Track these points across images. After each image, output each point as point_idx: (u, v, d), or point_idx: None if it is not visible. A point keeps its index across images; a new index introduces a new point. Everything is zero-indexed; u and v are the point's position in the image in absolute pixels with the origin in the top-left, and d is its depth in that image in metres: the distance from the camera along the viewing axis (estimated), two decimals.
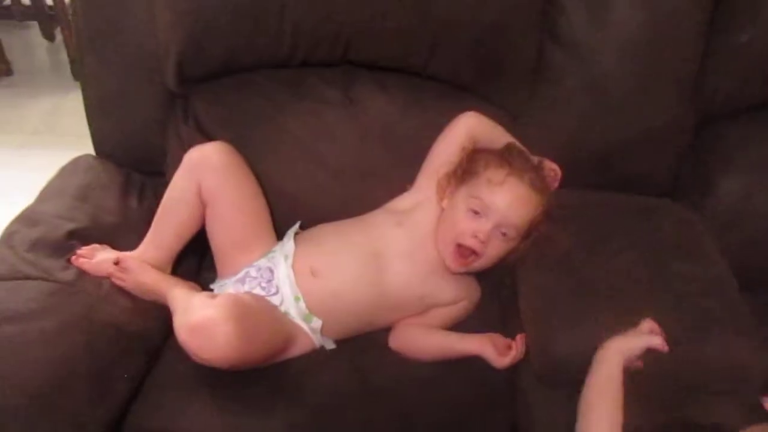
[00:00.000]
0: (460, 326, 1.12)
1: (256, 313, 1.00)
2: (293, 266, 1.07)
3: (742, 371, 0.95)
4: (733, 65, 1.21)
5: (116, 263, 1.06)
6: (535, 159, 1.12)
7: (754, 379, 0.94)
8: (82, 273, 1.04)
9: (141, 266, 1.07)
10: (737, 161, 1.24)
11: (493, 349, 1.03)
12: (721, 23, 1.18)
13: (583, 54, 1.18)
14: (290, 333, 1.04)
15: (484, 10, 1.13)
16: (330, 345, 1.09)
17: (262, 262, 1.09)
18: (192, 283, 1.12)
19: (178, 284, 1.08)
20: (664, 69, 1.19)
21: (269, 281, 1.07)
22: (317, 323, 1.06)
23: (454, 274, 1.10)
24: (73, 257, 1.05)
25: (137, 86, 1.21)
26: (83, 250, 1.06)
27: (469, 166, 1.10)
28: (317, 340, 1.07)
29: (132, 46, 1.18)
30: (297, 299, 1.06)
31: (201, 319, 0.91)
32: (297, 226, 1.15)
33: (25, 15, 2.89)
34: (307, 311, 1.06)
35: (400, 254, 1.10)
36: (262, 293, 1.06)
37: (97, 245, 1.08)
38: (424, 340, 1.09)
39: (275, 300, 1.06)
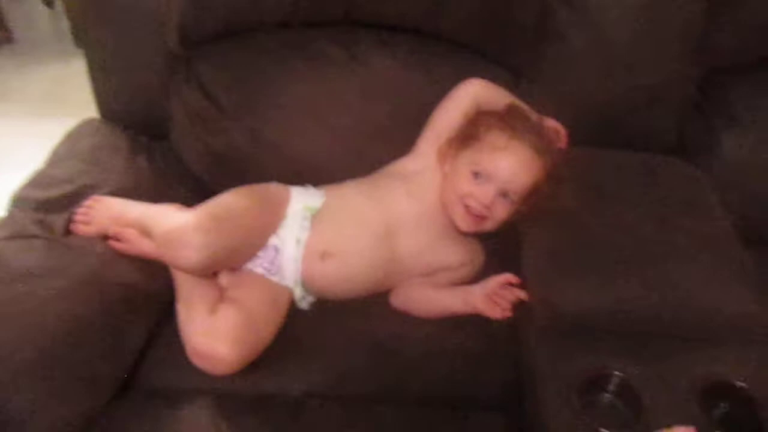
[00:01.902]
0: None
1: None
2: (304, 249, 1.07)
3: (745, 321, 0.95)
4: (737, 19, 1.19)
5: (114, 237, 1.05)
6: (535, 117, 1.11)
7: (756, 328, 0.95)
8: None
9: (137, 237, 1.05)
10: (741, 117, 1.24)
11: (488, 306, 1.05)
12: None
13: (588, 11, 1.18)
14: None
15: None
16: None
17: (270, 240, 1.08)
18: None
19: None
20: (667, 24, 1.18)
21: (272, 262, 1.07)
22: (309, 299, 1.09)
23: (463, 235, 1.11)
24: (72, 225, 1.05)
25: (139, 48, 1.20)
26: (80, 213, 1.06)
27: (470, 131, 1.10)
28: (301, 304, 1.09)
29: (133, 7, 1.17)
30: (297, 283, 1.07)
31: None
32: (312, 203, 1.11)
33: None
34: (303, 293, 1.08)
35: (411, 225, 1.11)
36: (264, 272, 1.07)
37: (90, 202, 1.07)
38: (427, 301, 1.10)
39: (275, 278, 1.07)
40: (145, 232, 1.03)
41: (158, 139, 1.26)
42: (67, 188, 1.09)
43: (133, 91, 1.25)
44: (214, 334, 0.96)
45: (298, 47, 1.18)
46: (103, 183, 1.12)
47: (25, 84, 2.49)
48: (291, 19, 1.17)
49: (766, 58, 1.24)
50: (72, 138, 1.23)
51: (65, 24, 2.64)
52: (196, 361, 0.96)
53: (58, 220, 1.04)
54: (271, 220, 1.07)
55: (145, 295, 1.02)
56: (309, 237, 1.07)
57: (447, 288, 1.11)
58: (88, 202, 1.07)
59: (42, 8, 2.95)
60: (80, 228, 1.05)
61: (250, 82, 1.17)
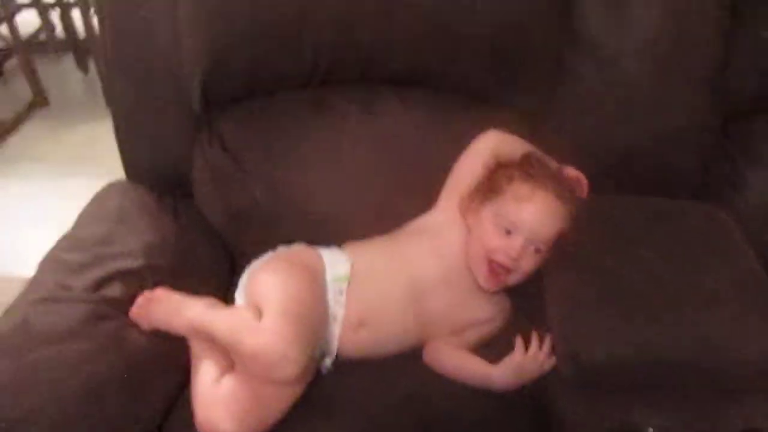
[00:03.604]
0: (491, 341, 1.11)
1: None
2: (342, 322, 1.05)
3: None
4: (757, 61, 1.19)
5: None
6: (554, 165, 1.11)
7: None
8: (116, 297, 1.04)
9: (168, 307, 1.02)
10: (766, 158, 1.21)
11: (520, 365, 1.00)
12: (743, 18, 1.17)
13: (603, 55, 1.19)
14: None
15: (500, 16, 1.13)
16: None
17: None
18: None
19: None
20: (685, 67, 1.18)
21: None
22: (330, 366, 1.05)
23: (490, 293, 1.10)
24: (132, 311, 1.03)
25: (164, 110, 1.23)
26: (137, 306, 1.03)
27: (492, 183, 1.09)
28: (323, 369, 1.06)
29: (159, 70, 1.21)
30: (329, 355, 1.05)
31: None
32: (342, 270, 1.08)
33: (60, 47, 2.99)
34: (330, 362, 1.05)
35: (438, 284, 1.10)
36: None
37: (148, 294, 1.04)
38: (459, 365, 1.05)
39: None
40: (202, 333, 1.00)
41: (183, 198, 1.29)
42: (97, 250, 1.11)
43: (157, 151, 1.27)
44: (214, 406, 0.93)
45: (316, 106, 1.20)
46: (133, 243, 1.14)
47: (57, 145, 2.58)
48: (310, 80, 1.19)
49: None
50: (99, 200, 1.25)
51: (98, 86, 2.75)
52: None
53: (87, 285, 1.04)
54: (322, 296, 1.06)
55: (167, 356, 1.02)
56: (344, 310, 1.06)
57: (475, 362, 1.05)
58: (145, 295, 1.04)
59: (77, 72, 3.08)
60: (137, 319, 1.03)
61: (271, 140, 1.19)
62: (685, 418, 0.87)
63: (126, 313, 1.02)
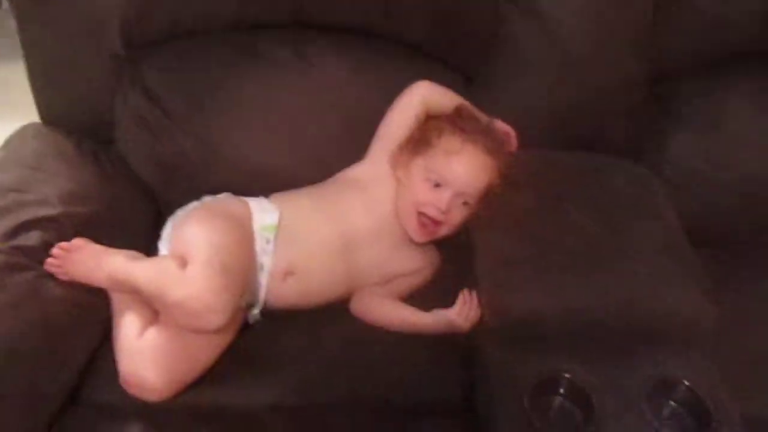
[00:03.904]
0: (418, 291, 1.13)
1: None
2: (270, 272, 1.04)
3: (692, 323, 0.97)
4: (684, 21, 1.22)
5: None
6: (485, 119, 1.11)
7: (703, 331, 0.97)
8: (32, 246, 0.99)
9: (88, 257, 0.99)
10: (690, 119, 1.26)
11: (452, 323, 1.02)
12: None
13: (539, 15, 1.18)
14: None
15: None
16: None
17: None
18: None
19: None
20: (617, 27, 1.20)
21: None
22: (257, 316, 1.05)
23: (419, 245, 1.11)
24: (48, 262, 0.98)
25: (83, 51, 1.17)
26: (54, 258, 0.98)
27: (422, 136, 1.09)
28: (250, 318, 1.05)
29: (75, 9, 1.13)
30: (256, 305, 1.04)
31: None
32: (269, 220, 1.06)
33: None
34: (258, 312, 1.04)
35: (368, 237, 1.10)
36: None
37: (65, 245, 0.99)
38: (388, 314, 1.07)
39: None
40: (124, 286, 0.97)
41: (104, 143, 1.23)
42: (11, 197, 1.05)
43: (75, 95, 1.21)
44: (139, 359, 0.92)
45: (246, 50, 1.16)
46: (50, 189, 1.08)
47: None
48: (238, 21, 1.14)
49: (715, 60, 1.26)
50: (12, 144, 1.18)
51: (13, 24, 2.56)
52: (126, 387, 0.92)
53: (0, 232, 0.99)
54: (248, 246, 1.03)
55: (87, 307, 0.98)
56: (272, 260, 1.04)
57: (406, 310, 1.07)
58: (62, 245, 0.99)
59: None
60: (54, 271, 0.98)
61: (198, 86, 1.15)
62: (601, 366, 0.90)
63: (42, 263, 0.98)
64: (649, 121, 1.28)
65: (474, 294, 1.02)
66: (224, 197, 1.12)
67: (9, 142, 1.19)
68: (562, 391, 0.89)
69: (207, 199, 1.12)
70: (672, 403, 0.90)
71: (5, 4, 2.74)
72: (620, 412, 0.85)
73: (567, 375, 0.89)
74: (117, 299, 1.00)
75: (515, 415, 0.85)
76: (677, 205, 1.14)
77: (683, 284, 1.00)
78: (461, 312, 1.01)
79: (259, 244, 1.04)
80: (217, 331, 0.92)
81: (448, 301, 1.04)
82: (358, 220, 1.10)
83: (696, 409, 0.88)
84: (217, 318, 0.90)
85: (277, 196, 1.13)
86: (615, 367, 0.90)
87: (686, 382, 0.89)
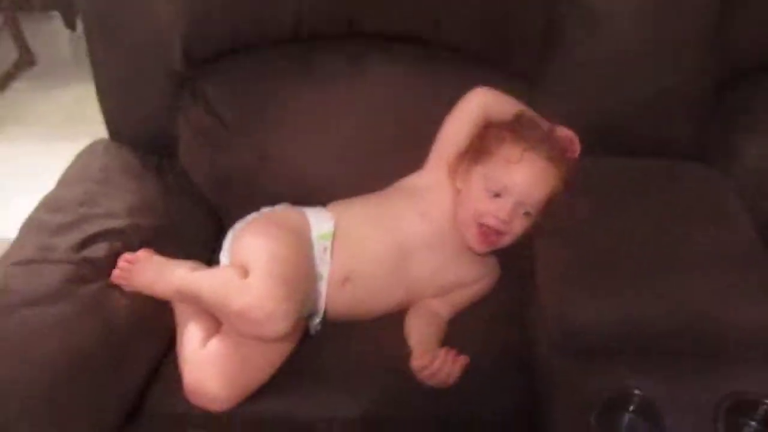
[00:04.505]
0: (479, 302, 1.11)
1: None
2: (328, 280, 1.04)
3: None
4: (753, 19, 1.15)
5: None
6: (546, 125, 1.08)
7: None
8: (99, 258, 1.02)
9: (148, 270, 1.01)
10: (761, 120, 1.19)
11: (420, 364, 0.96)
12: None
13: (596, 14, 1.14)
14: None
15: None
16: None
17: None
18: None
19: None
20: (680, 25, 1.14)
21: None
22: (318, 326, 1.04)
23: (477, 255, 1.09)
24: (114, 274, 1.01)
25: (146, 69, 1.20)
26: (119, 270, 1.01)
27: (481, 145, 1.07)
28: (311, 329, 1.05)
29: (138, 28, 1.17)
30: (317, 314, 1.04)
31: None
32: (325, 228, 1.06)
33: (46, 4, 2.91)
34: (318, 322, 1.04)
35: (424, 246, 1.08)
36: None
37: (130, 257, 1.02)
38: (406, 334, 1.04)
39: None
40: (187, 296, 0.99)
41: (169, 158, 1.26)
42: (80, 211, 1.09)
43: (140, 111, 1.25)
44: (202, 369, 0.93)
45: (302, 61, 1.17)
46: (117, 203, 1.12)
47: (45, 106, 2.53)
48: (294, 34, 1.15)
49: None
50: (82, 160, 1.23)
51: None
52: (190, 397, 0.93)
53: (70, 246, 1.02)
54: (307, 255, 1.04)
55: (151, 319, 1.01)
56: (330, 268, 1.04)
57: (413, 337, 1.03)
58: (126, 257, 1.02)
59: (64, 31, 3.01)
60: (119, 282, 1.01)
61: (255, 98, 1.16)
62: (671, 383, 0.85)
63: (108, 275, 1.01)
64: (719, 123, 1.22)
65: (453, 356, 0.96)
66: (282, 208, 1.13)
67: (78, 158, 1.24)
68: (631, 408, 0.85)
69: (265, 210, 1.13)
70: (752, 423, 0.85)
71: (80, 27, 2.88)
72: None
73: (637, 391, 0.84)
74: (180, 310, 1.02)
75: None
76: (752, 213, 1.07)
77: (760, 295, 0.94)
78: (430, 367, 0.95)
79: (317, 253, 1.05)
80: (279, 340, 0.93)
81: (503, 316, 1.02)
82: (413, 228, 1.08)
83: None
84: (279, 326, 0.90)
85: (334, 206, 1.13)
86: (689, 384, 0.86)
87: (766, 400, 0.84)
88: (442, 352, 0.97)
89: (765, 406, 0.83)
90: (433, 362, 0.95)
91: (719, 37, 1.16)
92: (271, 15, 1.12)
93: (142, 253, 1.03)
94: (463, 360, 0.96)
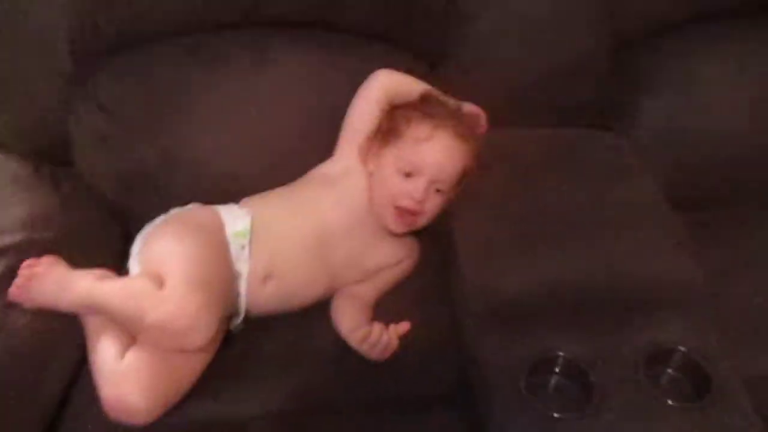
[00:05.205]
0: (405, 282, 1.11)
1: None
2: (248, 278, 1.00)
3: (682, 288, 0.96)
4: None
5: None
6: (453, 103, 1.09)
7: (694, 295, 0.95)
8: None
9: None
10: (658, 82, 1.25)
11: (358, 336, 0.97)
12: None
13: None
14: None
15: None
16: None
17: None
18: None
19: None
20: None
21: None
22: (240, 325, 1.02)
23: (397, 236, 1.08)
24: (11, 291, 0.93)
25: (32, 72, 1.12)
26: (19, 283, 0.93)
27: (390, 126, 1.06)
28: (233, 328, 1.02)
29: (21, 29, 1.09)
30: (237, 314, 1.00)
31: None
32: (241, 226, 1.02)
33: None
34: (240, 321, 1.01)
35: (342, 233, 1.07)
36: None
37: (27, 269, 0.95)
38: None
39: None
40: (95, 309, 0.93)
41: (64, 165, 1.18)
42: None
43: (29, 118, 1.16)
44: (121, 384, 0.87)
45: (201, 54, 1.12)
46: (9, 217, 1.04)
47: None
48: (189, 23, 1.10)
49: (683, 21, 1.25)
50: None
51: None
52: (110, 413, 0.87)
53: None
54: (223, 255, 1.00)
55: (58, 335, 0.94)
56: (249, 266, 1.01)
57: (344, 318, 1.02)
58: (29, 263, 0.95)
59: None
60: (18, 299, 0.93)
61: (152, 94, 1.10)
62: (595, 340, 0.88)
63: (5, 294, 0.93)
64: (618, 88, 1.27)
65: (388, 331, 0.96)
66: (192, 207, 1.09)
67: None
68: (557, 369, 0.87)
69: (174, 211, 1.08)
70: (670, 370, 0.89)
71: None
72: (619, 385, 0.83)
73: (561, 353, 0.86)
74: (90, 322, 0.96)
75: (513, 399, 0.83)
76: (654, 171, 1.12)
77: (669, 249, 0.98)
78: (369, 338, 0.95)
79: (234, 252, 1.01)
80: (202, 347, 0.90)
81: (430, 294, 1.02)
82: (330, 216, 1.07)
83: (695, 375, 0.86)
84: (200, 336, 0.87)
85: (247, 201, 1.09)
86: (609, 340, 0.89)
87: (682, 348, 0.88)
88: (377, 324, 0.97)
89: (680, 353, 0.88)
90: (372, 333, 0.95)
91: (610, 4, 1.20)
92: (164, 3, 1.06)
93: (46, 259, 0.96)
94: (401, 327, 0.96)
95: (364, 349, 0.96)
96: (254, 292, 1.01)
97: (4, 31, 1.10)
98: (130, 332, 0.93)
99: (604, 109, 1.28)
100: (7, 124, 1.16)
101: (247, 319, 1.02)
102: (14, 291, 0.93)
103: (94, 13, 1.04)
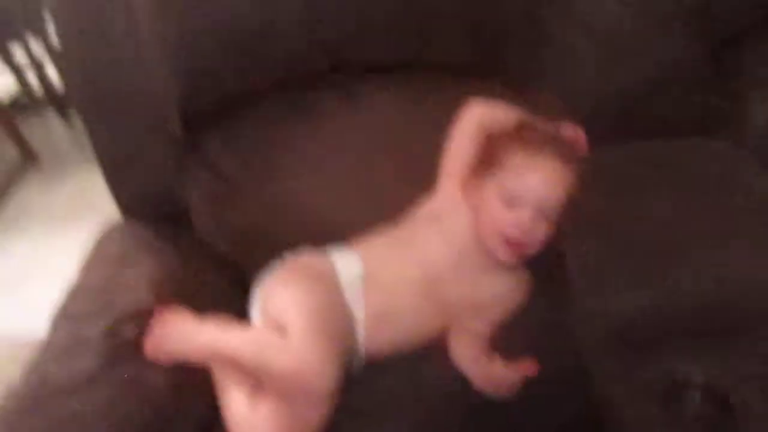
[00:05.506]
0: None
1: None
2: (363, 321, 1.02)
3: None
4: None
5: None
6: (549, 127, 1.07)
7: None
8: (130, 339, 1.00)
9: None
10: (764, 80, 1.18)
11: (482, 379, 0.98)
12: None
13: (575, 6, 1.15)
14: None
15: None
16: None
17: None
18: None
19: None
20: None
21: None
22: (361, 369, 1.03)
23: (506, 267, 1.06)
24: (146, 348, 0.98)
25: (147, 142, 1.21)
26: (150, 339, 0.98)
27: (489, 157, 1.05)
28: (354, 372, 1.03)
29: (135, 105, 1.18)
30: (358, 359, 1.03)
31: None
32: (354, 270, 1.05)
33: (40, 104, 2.99)
34: (361, 364, 1.03)
35: (450, 269, 1.06)
36: None
37: (157, 325, 1.00)
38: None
39: None
40: (222, 357, 0.98)
41: (184, 225, 1.26)
42: (105, 297, 1.08)
43: (149, 184, 1.25)
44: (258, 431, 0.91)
45: (298, 107, 1.18)
46: (138, 282, 1.11)
47: (54, 199, 2.57)
48: (285, 79, 1.16)
49: None
50: (97, 245, 1.22)
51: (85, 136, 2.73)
52: None
53: (99, 333, 1.02)
54: (340, 302, 1.02)
55: (191, 389, 0.99)
56: (363, 309, 1.03)
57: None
58: (155, 326, 1.00)
59: (61, 126, 3.07)
60: (153, 354, 0.98)
61: (256, 150, 1.16)
62: (728, 360, 0.83)
63: (141, 355, 0.99)
64: (723, 93, 1.21)
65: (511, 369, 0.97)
66: (305, 253, 1.12)
67: (94, 244, 1.23)
68: (691, 394, 0.83)
69: (288, 257, 1.12)
70: None
71: (79, 122, 2.93)
72: (764, 405, 0.78)
73: (697, 376, 0.82)
74: (220, 374, 1.00)
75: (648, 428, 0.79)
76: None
77: None
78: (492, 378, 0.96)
79: (350, 296, 1.03)
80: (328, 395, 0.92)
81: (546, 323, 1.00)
82: (438, 254, 1.07)
83: None
84: (327, 384, 0.89)
85: (356, 244, 1.11)
86: (744, 357, 0.83)
87: None
88: (498, 360, 0.97)
89: None
90: (494, 370, 0.95)
91: (703, 6, 1.16)
92: (260, 71, 1.13)
93: (169, 315, 1.01)
94: (527, 367, 0.96)
95: (487, 387, 0.95)
96: (371, 335, 1.02)
97: (121, 110, 1.19)
98: (258, 382, 0.96)
99: (707, 115, 1.22)
100: (132, 194, 1.26)
101: (365, 362, 1.03)
102: (148, 347, 1.00)
103: (201, 83, 1.12)
